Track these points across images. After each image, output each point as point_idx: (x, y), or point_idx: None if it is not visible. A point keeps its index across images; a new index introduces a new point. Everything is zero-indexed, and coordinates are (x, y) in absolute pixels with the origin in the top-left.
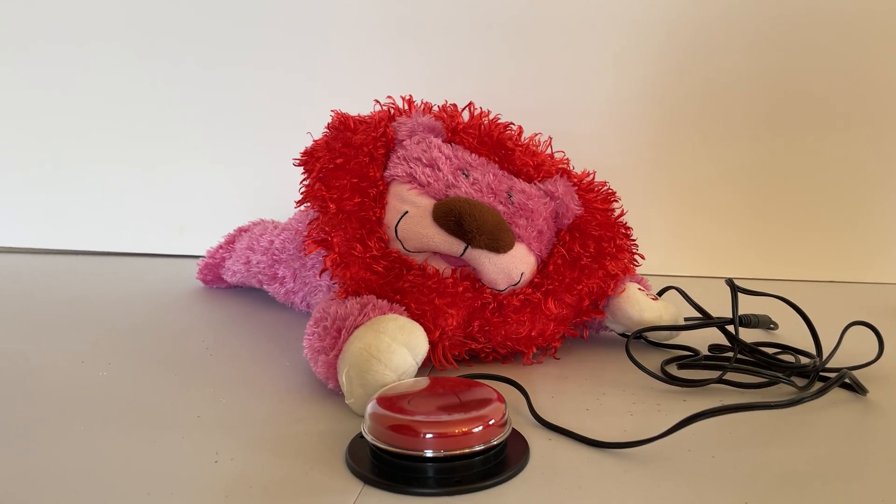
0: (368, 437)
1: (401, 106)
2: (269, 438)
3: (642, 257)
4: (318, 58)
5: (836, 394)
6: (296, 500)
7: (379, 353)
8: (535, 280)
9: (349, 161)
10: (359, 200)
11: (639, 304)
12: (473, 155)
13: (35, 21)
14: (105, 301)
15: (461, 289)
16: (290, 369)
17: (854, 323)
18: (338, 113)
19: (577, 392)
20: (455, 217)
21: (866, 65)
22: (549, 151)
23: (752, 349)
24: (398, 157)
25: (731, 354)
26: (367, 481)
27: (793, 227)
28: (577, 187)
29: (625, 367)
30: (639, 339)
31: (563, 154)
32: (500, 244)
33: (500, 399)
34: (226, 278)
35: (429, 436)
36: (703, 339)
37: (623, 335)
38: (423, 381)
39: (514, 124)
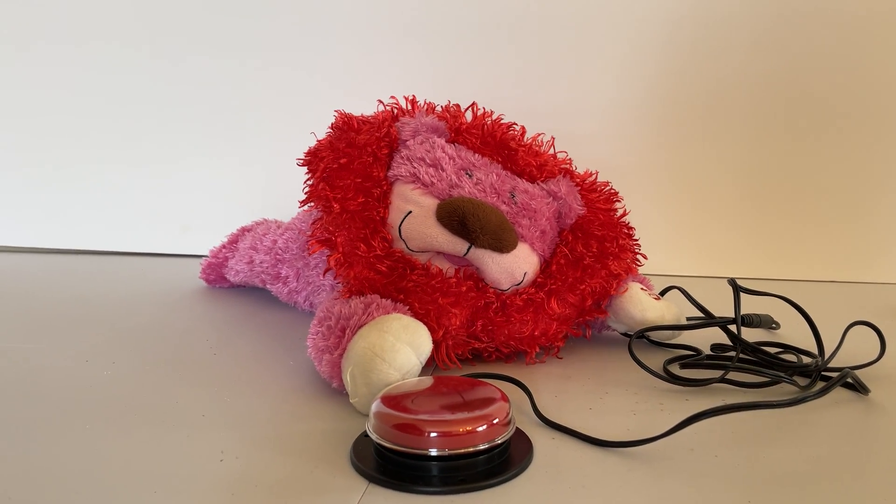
0: (373, 436)
1: (404, 106)
2: (274, 437)
3: (645, 257)
4: (321, 57)
5: (838, 393)
6: (301, 499)
7: (383, 352)
8: (539, 280)
9: (353, 161)
10: (362, 200)
11: (641, 304)
12: (477, 155)
13: (35, 20)
14: (108, 300)
15: (465, 288)
16: (294, 368)
17: (856, 323)
18: (341, 113)
19: (580, 391)
20: (459, 217)
21: (868, 65)
22: (551, 152)
23: (755, 349)
24: (402, 157)
25: (733, 354)
26: (372, 480)
27: (795, 227)
28: (579, 187)
29: (627, 366)
30: (641, 338)
31: (565, 154)
32: (503, 244)
33: (504, 398)
34: (229, 278)
35: (433, 435)
36: (706, 338)
37: (625, 335)
38: (427, 381)
39: (517, 124)
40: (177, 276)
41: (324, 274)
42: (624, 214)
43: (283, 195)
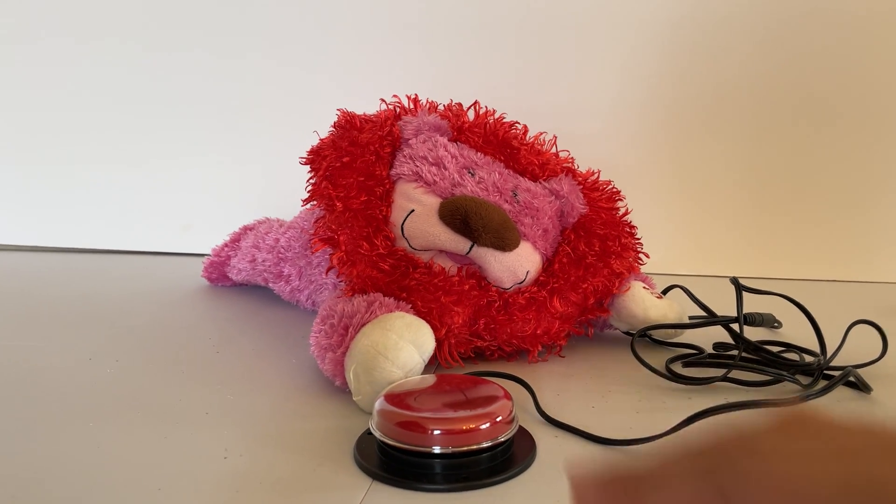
0: (376, 434)
1: (406, 105)
2: (278, 435)
3: (647, 256)
4: (324, 56)
5: (841, 392)
6: (305, 496)
7: (386, 350)
8: (541, 278)
9: (356, 159)
10: (365, 199)
11: (644, 303)
12: (479, 154)
13: (35, 17)
14: (111, 299)
15: (467, 287)
16: (297, 367)
17: (858, 321)
18: (344, 112)
19: (583, 390)
20: (461, 215)
21: (868, 65)
22: (553, 151)
23: (757, 347)
24: (404, 156)
25: (735, 353)
26: (376, 477)
27: (797, 226)
28: (581, 186)
29: (630, 365)
30: (644, 337)
31: (567, 153)
32: (505, 242)
33: (507, 396)
34: (231, 276)
35: (437, 432)
36: (708, 337)
37: (628, 333)
38: (430, 379)
39: (519, 123)
40: (179, 275)
41: (326, 272)
42: (626, 213)
43: (286, 194)
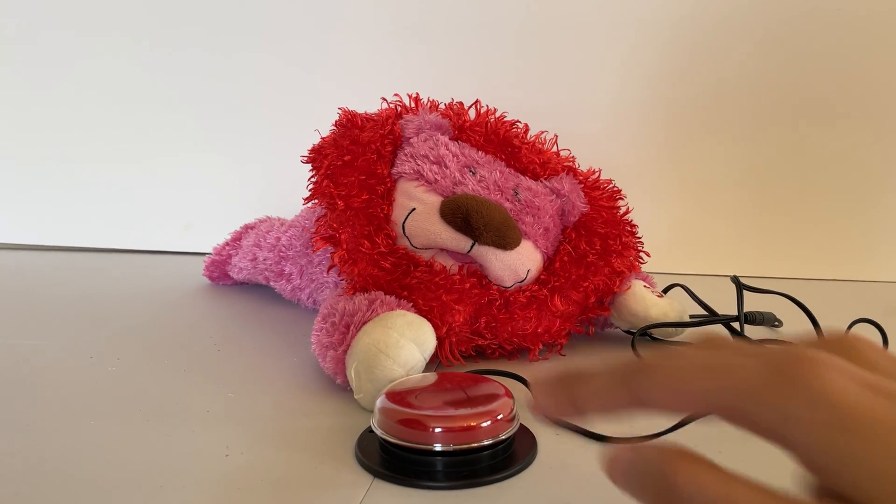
0: (378, 432)
1: (407, 104)
2: (279, 433)
3: (648, 255)
4: (325, 55)
5: None
6: (306, 493)
7: (387, 348)
8: (542, 277)
9: (357, 158)
10: (366, 197)
11: (644, 302)
12: (480, 152)
13: (34, 17)
14: (111, 297)
15: (468, 285)
16: (298, 365)
17: (858, 320)
18: (345, 110)
19: None
20: (462, 214)
21: (868, 65)
22: (554, 150)
23: None
24: (405, 155)
25: None
26: (377, 475)
27: (797, 226)
28: (582, 185)
29: None
30: (644, 336)
31: (568, 152)
32: (506, 241)
33: (508, 394)
34: (232, 275)
35: (438, 430)
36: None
37: (628, 332)
38: (432, 377)
39: (519, 122)
40: (180, 274)
41: (327, 271)
42: (627, 212)
43: (287, 192)
